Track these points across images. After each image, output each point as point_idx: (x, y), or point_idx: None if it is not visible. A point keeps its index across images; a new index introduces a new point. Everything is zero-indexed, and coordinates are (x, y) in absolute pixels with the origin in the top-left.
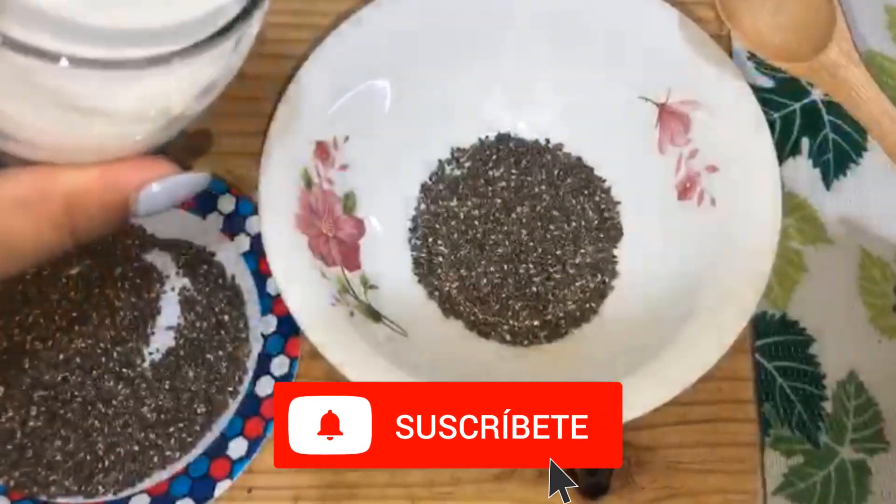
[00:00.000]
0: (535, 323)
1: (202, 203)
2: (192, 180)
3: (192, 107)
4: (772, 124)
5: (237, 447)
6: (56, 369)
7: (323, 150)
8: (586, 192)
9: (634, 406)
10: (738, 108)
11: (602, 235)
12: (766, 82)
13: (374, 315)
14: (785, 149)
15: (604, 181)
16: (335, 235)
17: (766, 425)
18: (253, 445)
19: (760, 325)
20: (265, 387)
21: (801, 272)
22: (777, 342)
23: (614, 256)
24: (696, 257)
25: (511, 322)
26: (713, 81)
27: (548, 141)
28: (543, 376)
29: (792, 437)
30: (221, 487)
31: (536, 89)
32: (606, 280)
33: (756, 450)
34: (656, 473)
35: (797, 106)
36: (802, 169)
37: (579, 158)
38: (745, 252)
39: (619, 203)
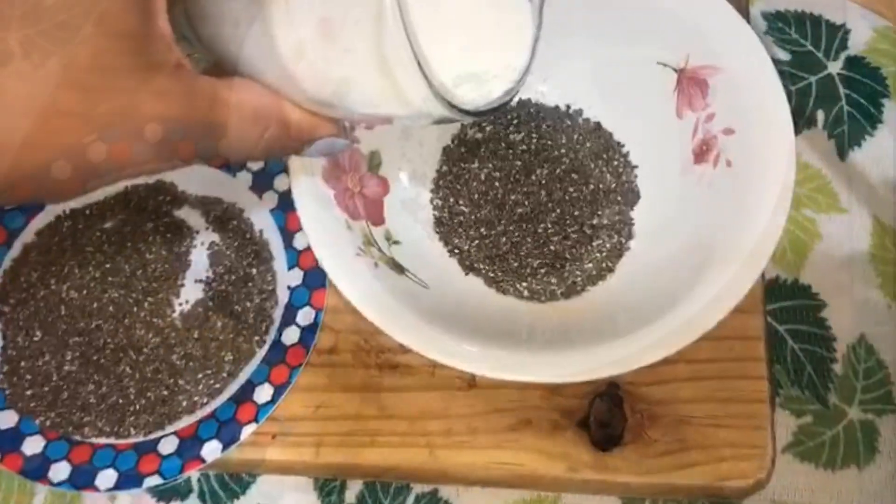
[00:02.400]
0: (553, 280)
1: None
2: (343, 144)
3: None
4: (788, 97)
5: (263, 393)
6: (90, 317)
7: None
8: (605, 156)
9: (641, 359)
10: (755, 73)
11: (620, 198)
12: (784, 55)
13: (398, 268)
14: (801, 121)
15: (622, 146)
16: (360, 191)
17: (776, 386)
18: (278, 391)
19: (773, 289)
20: (291, 336)
21: (815, 239)
22: (789, 306)
23: (631, 218)
24: (710, 218)
25: (529, 279)
26: (731, 47)
27: (568, 106)
28: (559, 331)
29: (802, 398)
30: (247, 431)
31: (558, 55)
32: (623, 241)
33: (766, 406)
34: (668, 427)
35: (813, 79)
36: (818, 140)
37: (598, 123)
38: (758, 212)
39: (636, 167)
